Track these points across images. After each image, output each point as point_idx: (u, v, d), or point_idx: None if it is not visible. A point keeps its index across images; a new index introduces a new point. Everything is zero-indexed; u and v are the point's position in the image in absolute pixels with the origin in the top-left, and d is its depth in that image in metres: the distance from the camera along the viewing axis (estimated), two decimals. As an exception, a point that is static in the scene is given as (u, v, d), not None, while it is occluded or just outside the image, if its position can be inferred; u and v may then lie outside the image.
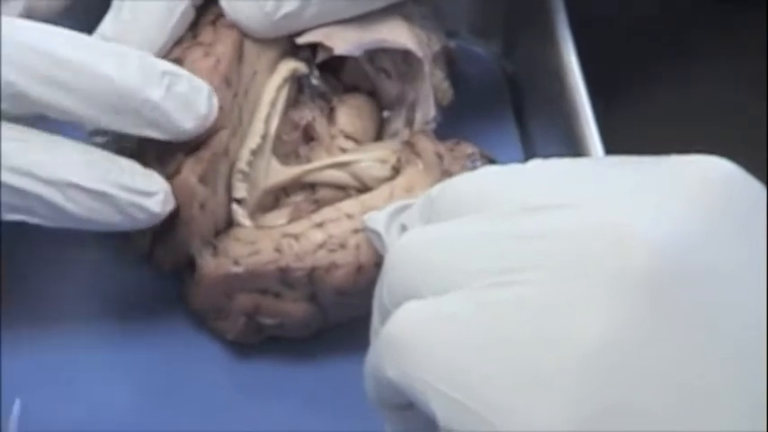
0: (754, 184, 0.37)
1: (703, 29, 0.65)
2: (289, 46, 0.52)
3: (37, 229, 0.46)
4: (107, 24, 0.49)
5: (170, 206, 0.47)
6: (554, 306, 0.34)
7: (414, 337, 0.36)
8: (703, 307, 0.34)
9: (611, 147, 0.53)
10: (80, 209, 0.45)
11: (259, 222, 0.51)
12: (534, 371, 0.34)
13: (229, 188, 0.50)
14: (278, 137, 0.52)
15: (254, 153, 0.50)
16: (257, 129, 0.50)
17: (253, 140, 0.50)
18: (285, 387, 0.51)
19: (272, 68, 0.52)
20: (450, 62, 0.56)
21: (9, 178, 0.44)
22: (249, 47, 0.50)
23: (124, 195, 0.46)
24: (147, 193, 0.46)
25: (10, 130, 0.45)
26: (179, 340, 0.51)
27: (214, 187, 0.49)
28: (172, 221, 0.48)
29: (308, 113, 0.53)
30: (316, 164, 0.51)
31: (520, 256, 0.36)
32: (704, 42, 0.65)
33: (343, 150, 0.52)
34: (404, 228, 0.44)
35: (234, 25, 0.50)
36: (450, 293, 0.36)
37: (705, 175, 0.36)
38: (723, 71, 0.64)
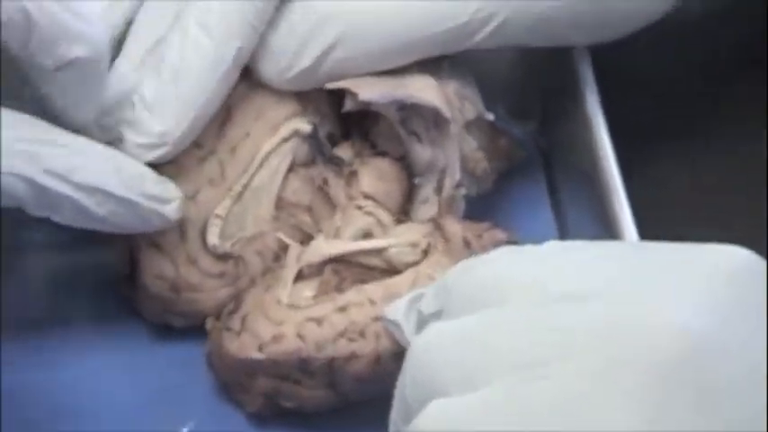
0: None
1: (744, 96, 0.63)
2: (298, 108, 0.53)
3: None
4: (149, 86, 0.50)
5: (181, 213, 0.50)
6: (585, 400, 0.34)
7: None
8: (740, 399, 0.34)
9: (645, 223, 0.52)
10: (106, 213, 0.47)
11: (287, 295, 0.51)
12: None
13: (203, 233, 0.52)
14: (291, 203, 0.53)
15: (234, 200, 0.52)
16: (241, 181, 0.52)
17: (234, 190, 0.52)
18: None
19: (274, 130, 0.53)
20: (507, 157, 0.57)
21: (45, 180, 0.46)
22: (244, 110, 0.52)
23: (146, 203, 0.48)
24: (165, 200, 0.49)
25: (47, 132, 0.46)
26: (204, 410, 0.52)
27: (183, 231, 0.51)
28: (132, 264, 0.52)
29: (318, 173, 0.53)
30: (350, 247, 0.52)
31: (547, 349, 0.36)
32: (745, 111, 0.63)
33: (360, 208, 0.53)
34: (420, 314, 0.44)
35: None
36: (477, 392, 0.36)
37: (733, 266, 0.36)
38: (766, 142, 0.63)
